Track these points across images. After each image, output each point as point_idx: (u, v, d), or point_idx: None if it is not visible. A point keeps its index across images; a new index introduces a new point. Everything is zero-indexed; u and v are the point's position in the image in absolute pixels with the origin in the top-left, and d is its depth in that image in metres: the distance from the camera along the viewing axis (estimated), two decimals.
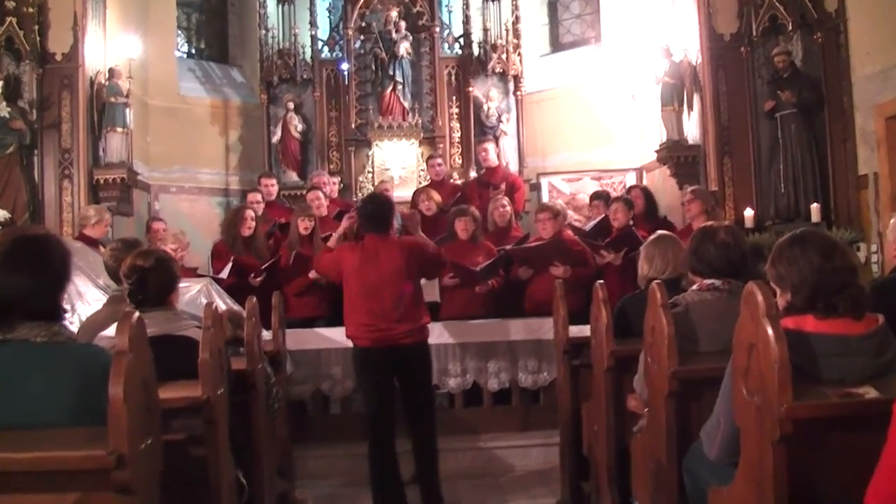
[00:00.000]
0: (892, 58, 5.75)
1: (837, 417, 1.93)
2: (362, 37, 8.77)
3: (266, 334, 4.10)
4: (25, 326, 1.91)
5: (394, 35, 8.50)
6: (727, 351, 2.13)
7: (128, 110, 7.21)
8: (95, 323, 3.09)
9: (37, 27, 6.81)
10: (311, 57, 8.74)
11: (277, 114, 8.68)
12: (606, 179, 8.37)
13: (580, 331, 3.89)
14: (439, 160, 7.49)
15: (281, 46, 8.72)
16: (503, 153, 8.36)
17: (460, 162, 8.68)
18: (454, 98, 8.76)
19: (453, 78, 8.79)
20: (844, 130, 6.29)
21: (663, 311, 2.61)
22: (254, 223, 5.89)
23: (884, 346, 2.09)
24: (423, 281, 4.56)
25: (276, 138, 8.64)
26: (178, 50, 9.31)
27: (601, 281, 3.61)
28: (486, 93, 8.76)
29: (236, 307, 4.50)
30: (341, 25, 8.79)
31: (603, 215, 6.11)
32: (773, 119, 6.58)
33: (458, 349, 5.25)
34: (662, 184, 7.74)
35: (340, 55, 8.79)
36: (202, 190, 8.86)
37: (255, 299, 3.59)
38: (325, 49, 8.85)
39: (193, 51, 9.65)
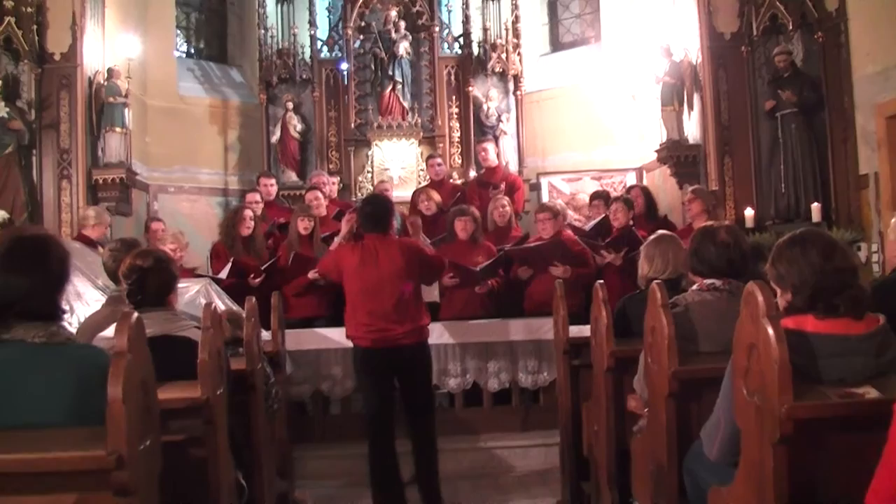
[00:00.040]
0: (893, 57, 5.75)
1: (838, 418, 1.92)
2: (361, 36, 8.77)
3: (265, 334, 4.09)
4: (23, 327, 1.91)
5: (393, 35, 8.50)
6: (727, 351, 2.12)
7: (126, 110, 7.20)
8: (94, 323, 3.08)
9: (35, 27, 6.80)
10: (311, 57, 8.74)
11: (276, 114, 8.68)
12: (606, 179, 8.37)
13: (580, 331, 3.90)
14: (439, 160, 7.48)
15: (280, 46, 8.73)
16: (503, 153, 8.36)
17: (460, 162, 8.68)
18: (454, 98, 8.76)
19: (453, 77, 8.79)
20: (845, 130, 6.29)
21: (663, 311, 2.60)
22: (252, 223, 5.88)
23: (884, 346, 2.09)
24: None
25: (275, 138, 8.64)
26: (177, 50, 9.31)
27: (601, 281, 3.61)
28: (486, 92, 8.76)
29: (235, 307, 4.50)
30: (340, 25, 8.79)
31: (603, 215, 6.10)
32: (773, 119, 6.57)
33: (458, 349, 5.24)
34: (662, 184, 7.74)
35: (340, 55, 8.79)
36: (201, 190, 8.85)
37: (254, 299, 3.58)
38: (325, 49, 8.86)
39: (192, 50, 9.64)
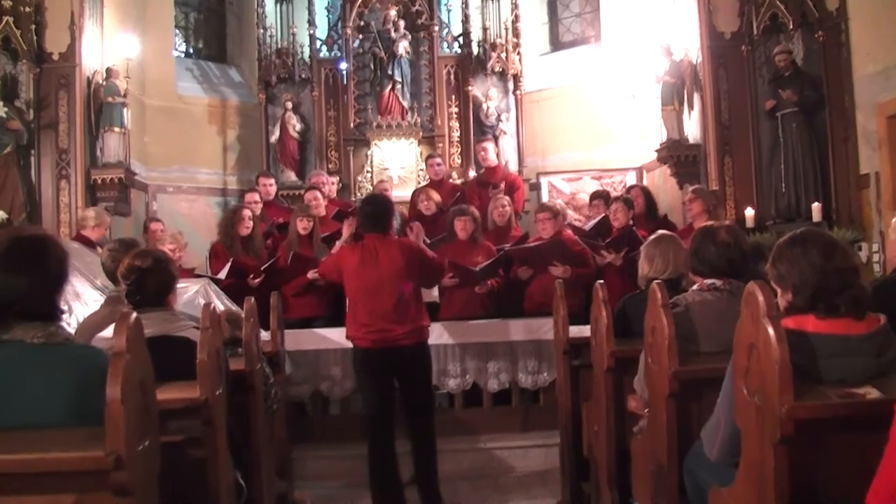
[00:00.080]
0: (894, 57, 5.75)
1: (838, 418, 1.92)
2: (361, 36, 8.76)
3: (264, 335, 4.09)
4: (22, 327, 1.91)
5: (392, 34, 8.50)
6: (728, 351, 2.12)
7: (125, 110, 7.20)
8: (93, 324, 3.08)
9: (34, 26, 6.79)
10: (310, 56, 8.74)
11: (276, 113, 8.68)
12: (606, 179, 8.37)
13: (580, 331, 3.89)
14: (438, 160, 7.47)
15: (279, 46, 8.73)
16: (502, 153, 8.36)
17: (459, 161, 8.68)
18: (453, 97, 8.75)
19: (452, 77, 8.79)
20: (846, 130, 6.29)
21: (664, 312, 2.60)
22: (251, 223, 5.87)
23: (885, 346, 2.08)
24: None
25: (274, 138, 8.63)
26: (176, 49, 9.30)
27: (601, 281, 3.60)
28: (486, 92, 8.75)
29: (234, 307, 4.49)
30: (340, 24, 8.78)
31: (603, 215, 6.10)
32: (773, 118, 6.57)
33: (457, 349, 5.23)
34: (663, 183, 7.74)
35: (339, 54, 8.78)
36: (200, 190, 8.84)
37: (253, 300, 3.58)
38: (324, 48, 8.85)
39: (191, 50, 9.64)
